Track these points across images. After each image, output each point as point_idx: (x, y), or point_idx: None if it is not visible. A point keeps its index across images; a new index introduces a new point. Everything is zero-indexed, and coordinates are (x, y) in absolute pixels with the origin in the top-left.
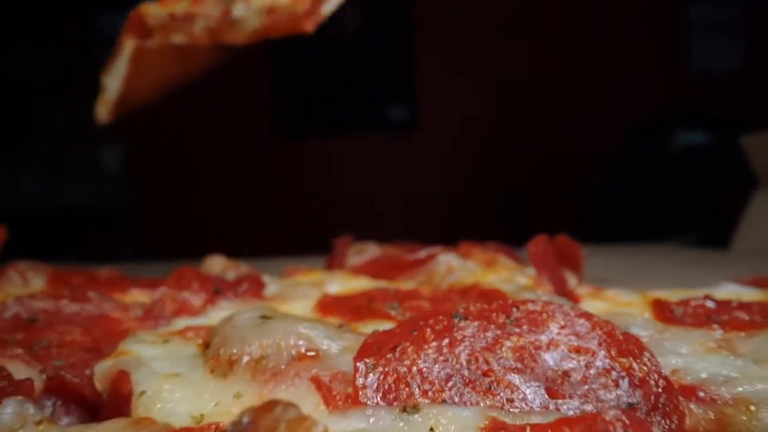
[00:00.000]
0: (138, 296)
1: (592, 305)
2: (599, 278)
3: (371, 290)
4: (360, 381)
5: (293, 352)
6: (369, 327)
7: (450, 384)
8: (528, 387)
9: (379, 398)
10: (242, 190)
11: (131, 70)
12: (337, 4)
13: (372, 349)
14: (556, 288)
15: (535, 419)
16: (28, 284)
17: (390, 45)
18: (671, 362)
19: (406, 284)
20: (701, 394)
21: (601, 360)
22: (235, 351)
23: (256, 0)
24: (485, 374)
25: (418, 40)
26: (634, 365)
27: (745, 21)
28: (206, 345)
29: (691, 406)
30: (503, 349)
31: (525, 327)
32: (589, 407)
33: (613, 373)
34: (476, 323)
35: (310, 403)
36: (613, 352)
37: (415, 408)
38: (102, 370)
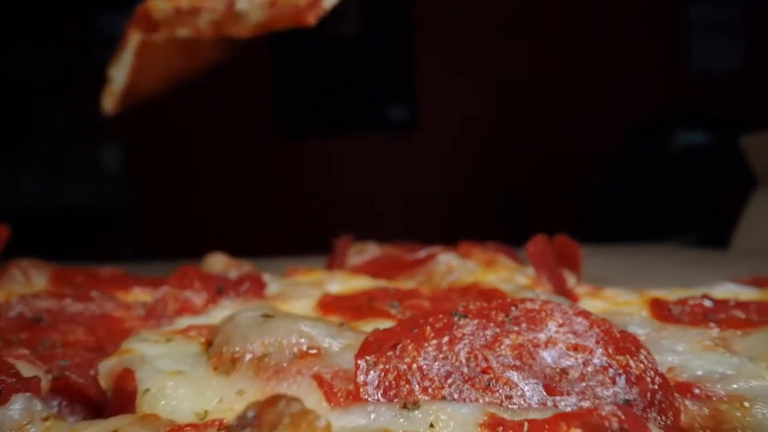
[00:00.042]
0: (140, 295)
1: (591, 304)
2: (598, 278)
3: (371, 289)
4: (361, 378)
5: (295, 350)
6: (369, 325)
7: (450, 381)
8: (526, 384)
9: (379, 395)
10: (242, 190)
11: (137, 63)
12: None
13: (373, 346)
14: (555, 287)
15: (533, 415)
16: (30, 282)
17: (390, 45)
18: (668, 360)
19: (406, 284)
20: (697, 391)
21: (598, 357)
22: (237, 349)
23: None
24: (484, 371)
25: (418, 40)
26: (631, 363)
27: (745, 21)
28: (209, 343)
29: (687, 402)
30: (502, 346)
31: (524, 325)
32: (586, 404)
33: (610, 370)
34: (476, 321)
35: (312, 399)
36: (610, 350)
37: (416, 404)
38: (106, 368)
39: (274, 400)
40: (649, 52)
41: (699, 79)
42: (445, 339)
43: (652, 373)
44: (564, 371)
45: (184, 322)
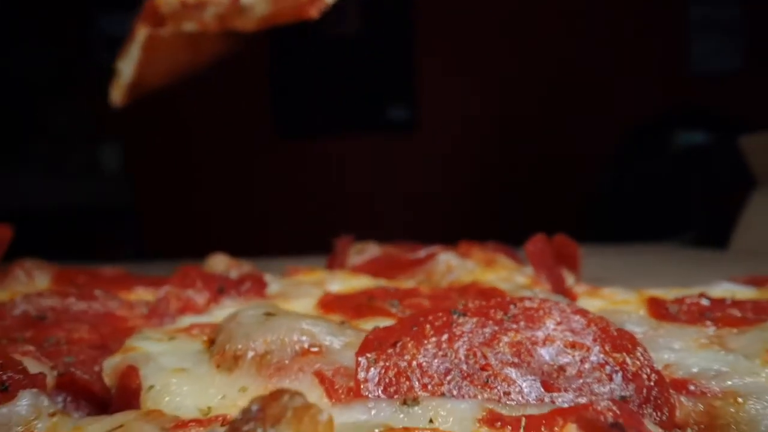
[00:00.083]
0: (143, 294)
1: (589, 303)
2: (597, 277)
3: (372, 289)
4: (362, 375)
5: (297, 347)
6: (370, 324)
7: (449, 378)
8: (524, 380)
9: (380, 391)
10: (242, 190)
11: (144, 57)
12: None
13: (373, 344)
14: (554, 286)
15: (531, 411)
16: (33, 282)
17: (390, 45)
18: (664, 357)
19: (406, 283)
20: (692, 388)
21: (595, 355)
22: (240, 347)
23: None
24: (483, 368)
25: (418, 40)
26: (628, 360)
27: (744, 21)
28: (211, 341)
29: (682, 398)
30: (501, 344)
31: (522, 323)
32: (583, 400)
33: (607, 367)
34: (474, 319)
35: (313, 396)
36: (607, 348)
37: (415, 401)
38: (111, 365)
39: (278, 394)
40: (649, 52)
41: (699, 79)
42: (445, 337)
43: (648, 370)
44: (561, 368)
45: (187, 320)
